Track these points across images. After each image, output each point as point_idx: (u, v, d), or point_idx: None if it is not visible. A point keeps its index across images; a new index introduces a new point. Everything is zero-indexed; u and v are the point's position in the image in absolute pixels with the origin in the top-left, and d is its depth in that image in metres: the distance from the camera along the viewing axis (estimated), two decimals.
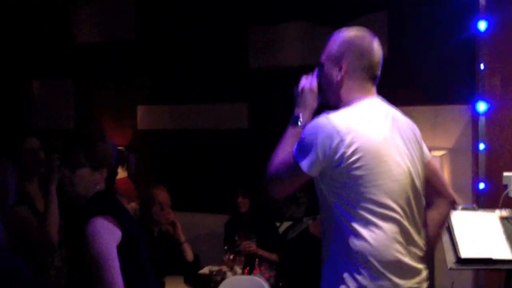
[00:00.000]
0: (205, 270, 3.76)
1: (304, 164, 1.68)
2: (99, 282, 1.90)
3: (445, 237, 2.45)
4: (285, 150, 1.79)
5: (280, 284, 3.52)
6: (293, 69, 4.48)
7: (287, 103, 4.49)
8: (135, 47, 5.12)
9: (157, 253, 3.78)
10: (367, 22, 4.19)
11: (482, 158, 3.51)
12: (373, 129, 1.70)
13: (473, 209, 2.70)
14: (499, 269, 2.53)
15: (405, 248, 1.71)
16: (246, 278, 3.42)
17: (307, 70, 4.90)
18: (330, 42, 1.86)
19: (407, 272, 1.71)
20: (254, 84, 4.65)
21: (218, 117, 4.81)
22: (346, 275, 1.68)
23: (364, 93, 1.79)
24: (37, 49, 5.61)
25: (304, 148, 1.70)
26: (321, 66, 1.87)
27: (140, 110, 5.14)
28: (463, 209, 2.67)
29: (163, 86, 5.05)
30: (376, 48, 1.81)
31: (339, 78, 1.80)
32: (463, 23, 3.60)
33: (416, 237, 1.75)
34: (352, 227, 1.66)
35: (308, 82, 1.91)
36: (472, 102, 3.60)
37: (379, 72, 1.82)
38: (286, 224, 4.13)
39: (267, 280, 3.39)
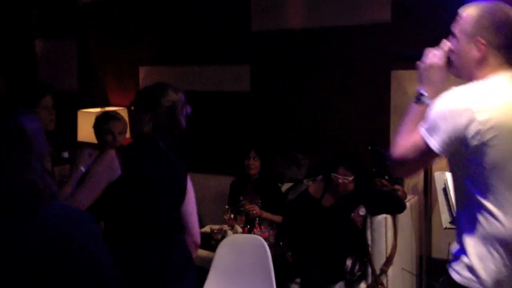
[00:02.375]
0: (206, 228, 3.83)
1: (434, 144, 1.61)
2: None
3: (441, 198, 2.49)
4: (410, 130, 1.70)
5: (281, 243, 3.60)
6: (296, 32, 4.47)
7: (289, 66, 4.53)
8: (138, 7, 5.09)
9: None
10: None
11: None
12: (507, 106, 1.60)
13: None
14: None
15: None
16: (246, 236, 3.49)
17: (310, 33, 4.90)
18: (466, 15, 1.73)
19: None
20: (256, 46, 4.64)
21: (220, 79, 4.82)
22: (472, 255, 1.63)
23: (500, 69, 1.69)
24: (40, 8, 5.58)
25: (433, 127, 1.61)
26: (453, 39, 1.76)
27: (142, 71, 5.14)
28: None
29: (165, 47, 5.03)
30: None
31: (477, 55, 1.69)
32: None
33: None
34: (486, 207, 1.60)
35: (436, 57, 1.78)
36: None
37: None
38: (287, 186, 4.19)
39: (267, 238, 3.46)
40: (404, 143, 1.69)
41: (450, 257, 1.72)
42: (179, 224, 2.32)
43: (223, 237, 3.52)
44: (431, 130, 1.61)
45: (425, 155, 1.65)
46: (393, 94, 4.09)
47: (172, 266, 2.25)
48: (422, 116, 1.68)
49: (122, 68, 5.21)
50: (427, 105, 1.71)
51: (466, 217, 1.65)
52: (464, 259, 1.64)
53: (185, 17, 4.90)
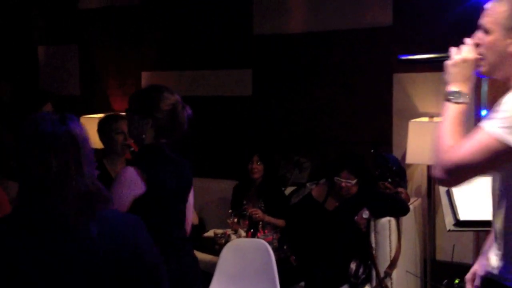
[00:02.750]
0: (210, 233, 3.83)
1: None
2: None
3: (445, 201, 2.50)
4: (458, 132, 1.57)
5: (285, 247, 3.60)
6: (297, 35, 4.48)
7: (290, 69, 4.54)
8: (140, 12, 5.11)
9: None
10: None
11: None
12: None
13: None
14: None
15: None
16: (250, 240, 3.49)
17: (311, 37, 4.92)
18: (498, 6, 1.60)
19: None
20: (258, 50, 4.65)
21: (222, 83, 4.83)
22: None
23: None
24: (42, 14, 5.61)
25: (506, 120, 1.46)
26: (486, 33, 1.63)
27: (145, 76, 5.16)
28: None
29: (167, 52, 5.05)
30: None
31: (509, 49, 1.57)
32: None
33: None
34: None
35: (467, 52, 1.66)
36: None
37: None
38: (290, 189, 4.20)
39: (270, 242, 3.46)
40: (464, 147, 1.51)
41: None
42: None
43: (227, 241, 3.52)
44: (506, 125, 1.46)
45: (501, 157, 1.49)
46: (395, 97, 4.10)
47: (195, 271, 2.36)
48: (464, 116, 1.58)
49: (124, 74, 5.23)
50: (467, 104, 1.61)
51: None
52: None
53: (186, 22, 4.91)
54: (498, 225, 1.66)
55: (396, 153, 3.94)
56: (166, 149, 2.27)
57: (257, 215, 3.77)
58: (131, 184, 2.09)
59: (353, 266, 3.40)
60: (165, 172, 2.21)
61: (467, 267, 2.02)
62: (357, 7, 4.21)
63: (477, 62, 1.65)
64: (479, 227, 2.56)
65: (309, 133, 4.49)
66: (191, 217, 2.47)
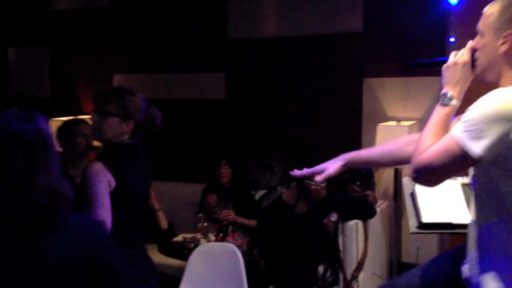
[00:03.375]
0: (179, 237, 3.81)
1: (477, 148, 1.44)
2: (95, 214, 2.08)
3: (409, 203, 2.52)
4: (436, 133, 1.56)
5: (254, 251, 3.60)
6: (271, 39, 4.51)
7: (264, 74, 4.56)
8: (112, 14, 5.08)
9: None
10: None
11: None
12: None
13: None
14: (459, 233, 2.63)
15: None
16: (219, 245, 3.48)
17: (285, 41, 4.95)
18: (490, 9, 1.61)
19: None
20: (232, 54, 4.66)
21: (195, 87, 4.82)
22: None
23: None
24: (13, 16, 5.53)
25: (478, 130, 1.45)
26: (479, 35, 1.63)
27: (117, 79, 5.12)
28: None
29: (140, 55, 5.03)
30: None
31: (503, 49, 1.56)
32: None
33: None
34: None
35: (462, 56, 1.66)
36: (442, 74, 3.66)
37: None
38: (261, 193, 4.21)
39: (240, 246, 3.46)
40: (433, 149, 1.52)
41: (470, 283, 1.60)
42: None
43: (196, 245, 3.51)
44: (475, 134, 1.45)
45: (459, 162, 1.49)
46: (365, 101, 4.15)
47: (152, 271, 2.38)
48: (449, 119, 1.57)
49: (96, 76, 5.18)
50: (453, 107, 1.60)
51: (501, 228, 1.50)
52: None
53: (160, 25, 4.90)
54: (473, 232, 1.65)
55: None
56: (137, 148, 2.30)
57: (230, 217, 3.78)
58: (104, 176, 2.12)
59: (321, 269, 3.42)
60: (132, 170, 2.23)
61: None
62: (328, 13, 4.26)
63: (471, 66, 1.64)
64: (442, 230, 2.60)
65: (281, 136, 4.51)
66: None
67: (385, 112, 4.04)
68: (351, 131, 4.17)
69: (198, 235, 3.72)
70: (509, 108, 1.43)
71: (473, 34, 3.82)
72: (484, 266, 1.56)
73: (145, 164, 2.35)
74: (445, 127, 1.56)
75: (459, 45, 3.71)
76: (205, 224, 3.78)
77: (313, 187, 3.58)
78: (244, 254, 3.41)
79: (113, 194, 2.13)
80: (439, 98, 1.63)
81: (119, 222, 2.14)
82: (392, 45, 4.00)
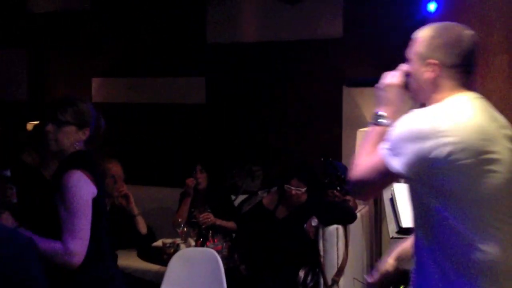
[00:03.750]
0: (159, 242, 3.78)
1: (397, 165, 1.54)
2: (70, 228, 2.02)
3: (388, 209, 2.55)
4: (370, 151, 1.66)
5: (235, 256, 3.59)
6: (251, 44, 4.51)
7: (243, 78, 4.56)
8: (91, 17, 5.03)
9: (110, 226, 3.78)
10: (323, 0, 4.26)
11: None
12: (473, 126, 1.54)
13: None
14: None
15: None
16: (199, 250, 3.46)
17: (264, 46, 4.96)
18: (418, 38, 1.70)
19: None
20: (211, 59, 4.65)
21: (175, 91, 4.80)
22: (440, 285, 1.54)
23: (457, 90, 1.64)
24: None
25: (396, 147, 1.55)
26: (408, 62, 1.73)
27: (95, 82, 5.07)
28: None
29: (119, 58, 4.98)
30: (468, 41, 1.65)
31: (428, 76, 1.65)
32: (415, 3, 3.69)
33: None
34: (458, 231, 1.51)
35: (394, 78, 1.76)
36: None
37: (473, 67, 1.67)
38: (242, 198, 4.20)
39: (220, 251, 3.44)
40: (363, 164, 1.65)
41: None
42: None
43: (176, 250, 3.48)
44: (394, 151, 1.56)
45: (384, 177, 1.61)
46: (345, 108, 4.18)
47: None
48: (382, 138, 1.64)
49: (75, 80, 5.12)
50: (386, 126, 1.67)
51: (434, 246, 1.56)
52: None
53: (139, 29, 4.87)
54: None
55: (345, 162, 4.00)
56: (93, 156, 2.28)
57: (209, 219, 3.77)
58: (85, 184, 2.08)
59: (301, 274, 3.42)
60: (98, 180, 2.21)
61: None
62: (308, 19, 4.28)
63: (405, 88, 1.73)
64: None
65: (262, 141, 4.51)
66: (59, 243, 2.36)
67: (365, 118, 4.06)
68: (332, 137, 4.20)
69: (178, 240, 3.69)
70: (422, 128, 1.51)
71: None
72: (418, 275, 1.62)
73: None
74: (377, 145, 1.64)
75: None
76: (185, 229, 3.75)
77: (293, 191, 3.58)
78: (225, 259, 3.39)
79: (94, 202, 2.10)
80: (372, 117, 1.73)
81: (97, 232, 2.12)
82: (372, 50, 4.04)
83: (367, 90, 4.09)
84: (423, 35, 1.69)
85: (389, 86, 1.75)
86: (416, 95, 1.71)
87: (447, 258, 1.53)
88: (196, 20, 4.68)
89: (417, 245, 1.62)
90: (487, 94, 3.50)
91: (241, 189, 4.35)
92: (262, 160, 4.46)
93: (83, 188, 2.07)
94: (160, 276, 3.30)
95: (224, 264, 3.24)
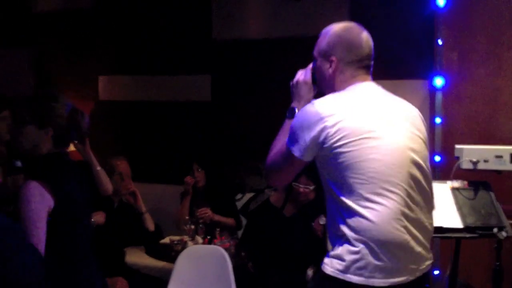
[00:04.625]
0: (166, 240, 3.78)
1: (296, 151, 1.75)
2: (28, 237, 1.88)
3: None
4: (281, 141, 1.86)
5: (242, 254, 3.58)
6: (257, 41, 4.49)
7: (249, 76, 4.54)
8: (95, 16, 5.02)
9: (118, 224, 3.79)
10: None
11: (438, 132, 3.61)
12: (359, 109, 1.75)
13: None
14: (449, 237, 2.63)
15: (406, 228, 1.71)
16: (207, 247, 3.45)
17: (270, 42, 4.94)
18: (321, 38, 1.93)
19: (409, 254, 1.72)
20: (217, 56, 4.63)
21: (180, 89, 4.79)
22: (341, 249, 1.72)
23: (356, 81, 1.85)
24: None
25: (294, 135, 1.77)
26: (314, 60, 1.95)
27: (102, 81, 5.06)
28: None
29: (125, 56, 4.98)
30: (365, 39, 1.89)
31: (330, 71, 1.87)
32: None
33: (421, 216, 1.76)
34: (347, 204, 1.70)
35: (303, 75, 2.00)
36: (429, 77, 3.68)
37: (370, 62, 1.90)
38: (248, 196, 4.18)
39: (227, 249, 3.44)
40: (274, 152, 1.86)
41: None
42: None
43: (183, 248, 3.48)
44: (293, 138, 1.77)
45: (291, 162, 1.80)
46: None
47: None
48: None
49: (81, 78, 5.12)
50: None
51: (334, 218, 1.76)
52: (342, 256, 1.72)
53: (145, 26, 4.86)
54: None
55: None
56: (66, 157, 2.15)
57: (207, 214, 3.79)
58: (41, 197, 1.92)
59: (310, 272, 3.40)
60: (69, 182, 2.07)
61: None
62: (315, 15, 4.26)
63: (313, 83, 1.98)
64: (433, 234, 2.60)
65: (269, 139, 4.49)
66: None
67: None
68: None
69: (185, 237, 3.68)
70: (310, 116, 1.74)
71: (460, 37, 3.84)
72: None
73: (80, 172, 2.19)
74: None
75: (447, 47, 3.75)
76: (192, 226, 3.75)
77: (302, 189, 3.56)
78: (232, 257, 3.39)
79: (54, 212, 1.94)
80: (287, 112, 1.98)
81: (63, 240, 1.99)
82: (379, 47, 3.99)
83: None
84: (325, 34, 1.92)
85: (300, 82, 2.00)
86: (322, 88, 1.94)
87: (344, 227, 1.72)
88: (202, 17, 4.66)
89: (328, 221, 1.83)
90: (498, 90, 3.47)
91: (248, 187, 4.34)
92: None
93: (37, 202, 1.91)
94: (167, 273, 3.31)
95: (232, 261, 3.24)
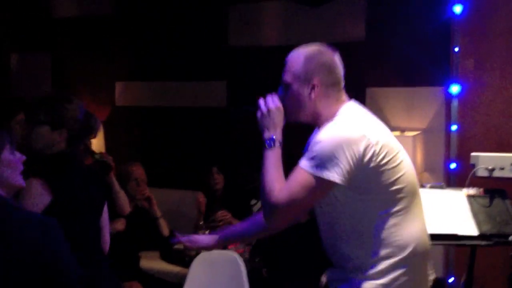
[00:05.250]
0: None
1: (334, 176, 1.67)
2: None
3: None
4: (279, 175, 1.77)
5: (257, 260, 3.58)
6: (273, 48, 4.50)
7: (265, 82, 4.55)
8: (113, 22, 5.08)
9: (133, 228, 3.82)
10: (345, 3, 4.24)
11: (454, 139, 3.59)
12: (379, 127, 1.79)
13: (441, 187, 2.78)
14: (465, 245, 2.62)
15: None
16: (221, 252, 3.45)
17: (286, 49, 4.93)
18: (292, 62, 1.85)
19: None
20: (233, 62, 4.66)
21: (197, 95, 4.82)
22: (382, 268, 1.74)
23: (341, 102, 1.84)
24: (16, 22, 5.54)
25: (327, 161, 1.67)
26: (285, 86, 1.87)
27: (119, 86, 5.12)
28: (432, 187, 2.74)
29: (142, 62, 5.03)
30: (339, 61, 1.86)
31: (313, 96, 1.80)
32: (439, 6, 3.65)
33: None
34: (392, 220, 1.72)
35: (272, 103, 1.90)
36: (446, 84, 3.67)
37: (343, 83, 1.88)
38: None
39: (242, 254, 3.44)
40: (286, 188, 1.71)
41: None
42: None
43: (198, 253, 3.49)
44: (325, 164, 1.67)
45: (319, 192, 1.71)
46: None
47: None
48: (280, 159, 1.78)
49: (98, 83, 5.18)
50: (279, 147, 1.82)
51: (368, 240, 1.73)
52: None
53: (162, 32, 4.90)
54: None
55: None
56: (75, 157, 2.18)
57: (226, 217, 3.80)
58: (37, 194, 1.98)
59: (324, 278, 3.39)
60: (74, 181, 2.10)
61: (438, 281, 2.05)
62: (331, 22, 4.26)
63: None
64: (448, 241, 2.59)
65: (284, 144, 4.49)
66: (108, 236, 2.30)
67: (388, 122, 4.00)
68: None
69: None
70: (348, 135, 1.68)
71: (477, 43, 3.82)
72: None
73: (92, 173, 2.25)
74: (280, 168, 1.77)
75: (463, 54, 3.73)
76: (207, 232, 3.76)
77: None
78: (246, 262, 3.39)
79: (51, 209, 1.98)
80: (265, 143, 1.86)
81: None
82: (395, 54, 4.00)
83: (390, 92, 4.06)
84: (299, 58, 1.83)
85: (272, 110, 1.87)
86: (298, 116, 1.86)
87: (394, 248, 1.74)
88: (218, 24, 4.69)
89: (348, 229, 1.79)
90: None
91: None
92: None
93: (33, 198, 1.96)
94: (182, 278, 3.32)
95: (246, 266, 3.24)
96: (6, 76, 5.63)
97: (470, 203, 2.65)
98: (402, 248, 1.71)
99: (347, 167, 1.66)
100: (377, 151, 1.67)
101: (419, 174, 3.78)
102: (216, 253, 3.45)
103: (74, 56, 5.31)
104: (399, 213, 1.72)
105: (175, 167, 4.82)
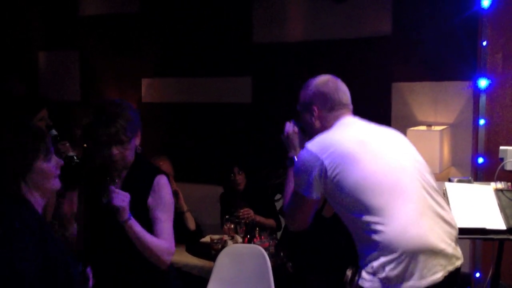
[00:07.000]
0: (206, 238, 3.83)
1: (307, 192, 1.99)
2: (168, 228, 2.27)
3: None
4: (291, 188, 2.11)
5: (281, 253, 3.60)
6: (297, 43, 4.51)
7: (289, 78, 4.56)
8: (140, 20, 5.14)
9: None
10: None
11: (481, 133, 3.55)
12: (344, 138, 2.00)
13: (469, 181, 2.75)
14: (492, 239, 2.59)
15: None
16: (247, 246, 3.48)
17: (311, 45, 4.94)
18: (300, 94, 2.20)
19: None
20: (258, 58, 4.67)
21: (222, 90, 4.85)
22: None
23: (338, 119, 2.13)
24: (43, 20, 5.64)
25: (299, 179, 2.01)
26: (299, 113, 2.22)
27: (145, 83, 5.18)
28: (459, 181, 2.72)
29: (167, 59, 5.07)
30: (340, 86, 2.20)
31: (313, 120, 2.15)
32: (467, 0, 3.61)
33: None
34: (368, 221, 1.93)
35: (291, 127, 2.30)
36: (473, 79, 3.63)
37: (347, 100, 2.20)
38: None
39: (267, 248, 3.46)
40: (288, 201, 2.12)
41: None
42: None
43: (223, 247, 3.52)
44: (300, 183, 2.00)
45: (303, 204, 2.03)
46: (394, 106, 4.12)
47: None
48: None
49: (125, 80, 5.25)
50: None
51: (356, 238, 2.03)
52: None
53: (187, 29, 4.94)
54: None
55: None
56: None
57: (249, 214, 3.81)
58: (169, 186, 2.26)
59: (349, 273, 3.38)
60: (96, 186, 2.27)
61: (464, 276, 2.04)
62: (356, 17, 4.24)
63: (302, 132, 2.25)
64: (475, 235, 2.57)
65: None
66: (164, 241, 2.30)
67: (414, 117, 4.00)
68: None
69: (225, 237, 3.73)
70: (308, 160, 1.97)
71: (505, 37, 3.76)
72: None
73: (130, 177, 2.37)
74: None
75: (492, 48, 3.68)
76: (232, 226, 3.79)
77: None
78: (271, 256, 3.41)
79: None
80: (288, 162, 2.24)
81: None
82: (422, 48, 3.96)
83: (416, 86, 4.03)
84: (305, 89, 2.18)
85: (290, 134, 2.29)
86: (311, 135, 2.14)
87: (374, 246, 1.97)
88: (242, 21, 4.71)
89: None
90: None
91: None
92: None
93: (170, 191, 2.25)
94: (208, 271, 3.35)
95: (271, 261, 3.26)
96: (34, 75, 5.74)
97: (498, 197, 2.62)
98: (385, 247, 1.88)
99: (311, 183, 1.96)
100: (328, 166, 1.92)
101: (446, 168, 3.75)
102: (241, 247, 3.48)
103: (100, 53, 5.38)
104: (373, 213, 1.88)
105: (201, 162, 4.86)
